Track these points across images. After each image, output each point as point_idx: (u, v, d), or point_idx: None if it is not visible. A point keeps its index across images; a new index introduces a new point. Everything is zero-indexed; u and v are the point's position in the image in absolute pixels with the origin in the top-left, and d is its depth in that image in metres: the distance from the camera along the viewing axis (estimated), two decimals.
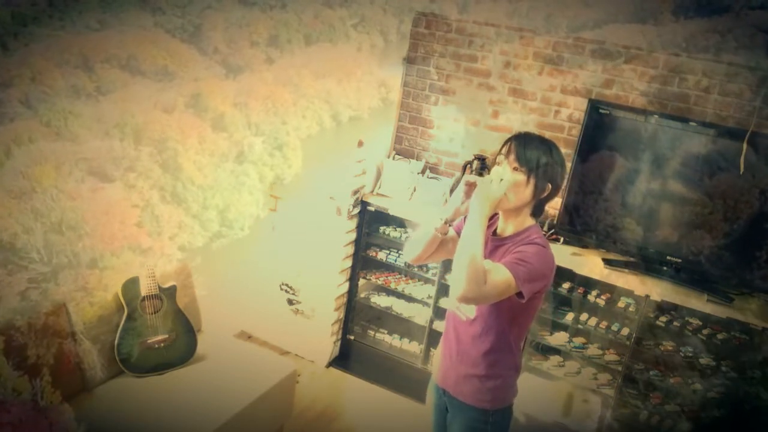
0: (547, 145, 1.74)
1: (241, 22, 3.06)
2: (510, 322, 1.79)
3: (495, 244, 1.80)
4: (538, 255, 1.67)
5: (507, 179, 1.70)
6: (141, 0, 2.66)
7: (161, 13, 2.72)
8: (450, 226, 1.86)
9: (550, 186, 1.73)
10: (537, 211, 1.80)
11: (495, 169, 1.76)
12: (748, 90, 2.90)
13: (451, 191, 3.42)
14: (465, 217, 1.82)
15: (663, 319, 2.95)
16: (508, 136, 1.78)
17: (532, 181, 1.70)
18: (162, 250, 2.72)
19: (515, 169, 1.70)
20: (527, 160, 1.69)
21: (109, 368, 2.56)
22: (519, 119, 3.44)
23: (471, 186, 1.72)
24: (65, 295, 2.40)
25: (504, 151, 1.74)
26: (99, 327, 2.53)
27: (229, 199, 3.16)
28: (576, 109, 3.28)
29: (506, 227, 1.80)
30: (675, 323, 2.95)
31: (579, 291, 3.12)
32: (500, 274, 1.62)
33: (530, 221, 1.79)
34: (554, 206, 3.22)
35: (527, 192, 1.71)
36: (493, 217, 1.81)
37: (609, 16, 3.28)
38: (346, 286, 3.71)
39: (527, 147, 1.71)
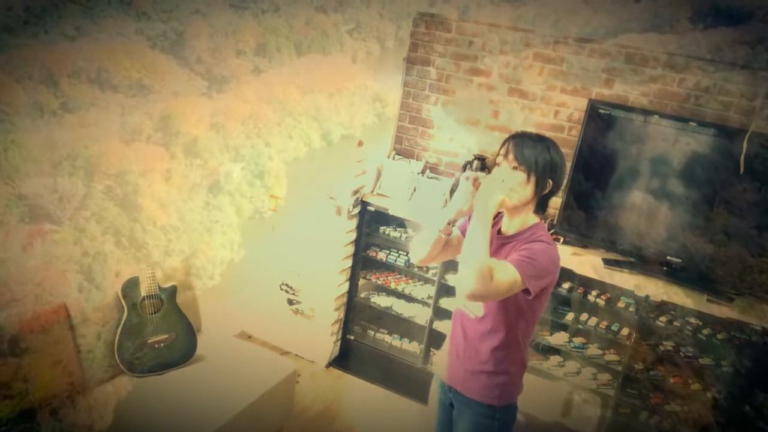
0: (544, 143, 1.76)
1: (227, 29, 2.84)
2: (518, 319, 1.82)
3: (500, 242, 1.83)
4: (543, 252, 1.70)
5: (507, 178, 1.73)
6: (125, 4, 2.44)
7: (146, 18, 2.52)
8: (453, 226, 1.88)
9: (551, 182, 1.76)
10: (540, 208, 1.82)
11: (495, 170, 1.78)
12: (748, 90, 2.90)
13: (451, 192, 3.42)
14: (469, 217, 1.85)
15: (663, 319, 2.95)
16: (507, 136, 1.80)
17: (532, 179, 1.73)
18: (104, 319, 2.38)
19: (515, 168, 1.73)
20: (526, 159, 1.72)
21: (109, 368, 2.56)
22: (519, 119, 3.44)
23: (476, 180, 1.75)
24: None
25: (503, 151, 1.77)
26: (99, 327, 2.52)
27: (197, 243, 2.85)
28: (576, 109, 3.28)
29: (511, 225, 1.83)
30: (675, 323, 2.95)
31: (579, 291, 3.12)
32: (506, 272, 1.64)
33: (534, 219, 1.82)
34: (554, 206, 3.22)
35: (528, 190, 1.74)
36: (497, 216, 1.84)
37: (621, 23, 3.10)
38: (346, 286, 3.70)
39: (525, 146, 1.73)
